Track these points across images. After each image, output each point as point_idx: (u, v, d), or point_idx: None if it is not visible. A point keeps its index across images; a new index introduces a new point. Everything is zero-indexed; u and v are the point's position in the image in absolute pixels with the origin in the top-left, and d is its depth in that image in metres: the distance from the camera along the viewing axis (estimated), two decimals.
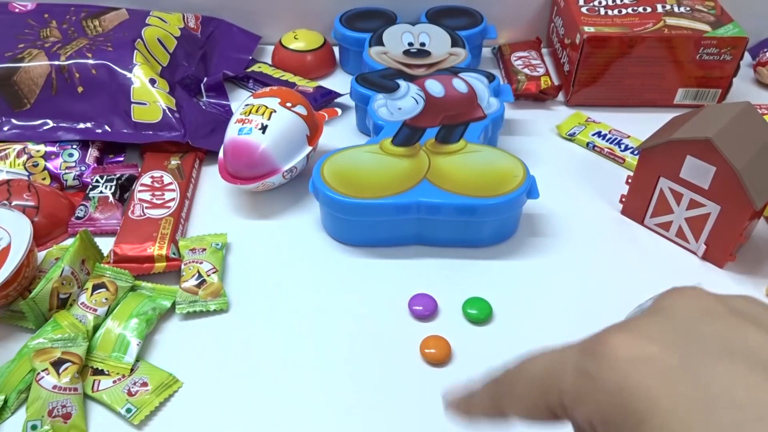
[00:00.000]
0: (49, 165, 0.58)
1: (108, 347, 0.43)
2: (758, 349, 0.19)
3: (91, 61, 0.60)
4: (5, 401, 0.40)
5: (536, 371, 0.25)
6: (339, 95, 0.69)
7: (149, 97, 0.60)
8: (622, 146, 0.62)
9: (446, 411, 0.33)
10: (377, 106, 0.58)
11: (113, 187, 0.55)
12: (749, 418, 0.18)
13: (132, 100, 0.60)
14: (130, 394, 0.41)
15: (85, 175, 0.57)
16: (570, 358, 0.23)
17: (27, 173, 0.57)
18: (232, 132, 0.54)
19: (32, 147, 0.58)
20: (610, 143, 0.62)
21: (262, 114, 0.54)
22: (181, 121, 0.60)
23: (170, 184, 0.55)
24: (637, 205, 0.54)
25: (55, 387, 0.39)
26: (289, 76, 0.71)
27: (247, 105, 0.56)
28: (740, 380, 0.19)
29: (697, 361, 0.20)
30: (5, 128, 0.60)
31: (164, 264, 0.49)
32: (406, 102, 0.58)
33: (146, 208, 0.53)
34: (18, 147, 0.58)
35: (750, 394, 0.18)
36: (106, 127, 0.60)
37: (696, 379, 0.19)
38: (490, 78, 0.60)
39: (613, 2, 0.68)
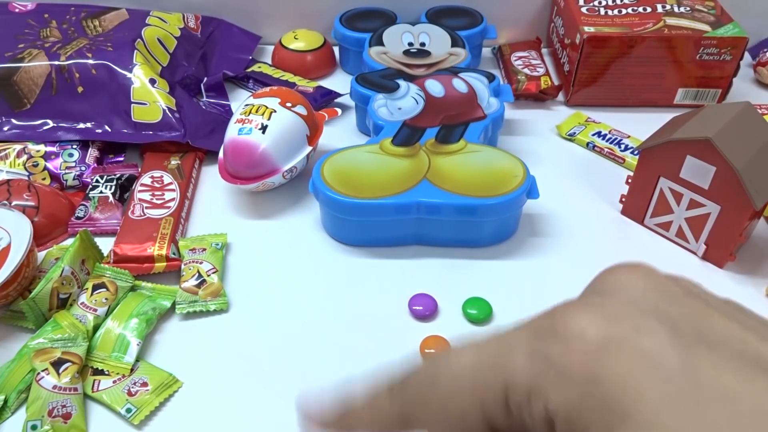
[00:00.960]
0: (49, 165, 0.58)
1: (108, 347, 0.43)
2: (730, 339, 0.17)
3: (91, 61, 0.60)
4: (5, 401, 0.40)
5: (465, 368, 0.20)
6: (339, 95, 0.69)
7: (149, 97, 0.60)
8: (622, 146, 0.62)
9: (303, 425, 0.23)
10: (377, 106, 0.58)
11: (113, 187, 0.55)
12: (744, 412, 0.15)
13: (132, 100, 0.60)
14: (130, 394, 0.41)
15: (85, 175, 0.57)
16: (517, 343, 0.19)
17: (27, 173, 0.57)
18: (232, 132, 0.54)
19: (32, 147, 0.58)
20: (610, 143, 0.62)
21: (262, 114, 0.54)
22: (181, 121, 0.60)
23: (170, 184, 0.55)
24: (637, 205, 0.54)
25: (55, 387, 0.39)
26: (289, 76, 0.71)
27: (247, 105, 0.56)
28: (726, 372, 0.16)
29: (675, 348, 0.17)
30: (5, 128, 0.60)
31: (164, 264, 0.49)
32: (406, 102, 0.58)
33: (146, 208, 0.53)
34: (18, 147, 0.58)
35: (740, 386, 0.16)
36: (106, 127, 0.60)
37: (680, 367, 0.16)
38: (490, 78, 0.60)
39: (613, 2, 0.68)
